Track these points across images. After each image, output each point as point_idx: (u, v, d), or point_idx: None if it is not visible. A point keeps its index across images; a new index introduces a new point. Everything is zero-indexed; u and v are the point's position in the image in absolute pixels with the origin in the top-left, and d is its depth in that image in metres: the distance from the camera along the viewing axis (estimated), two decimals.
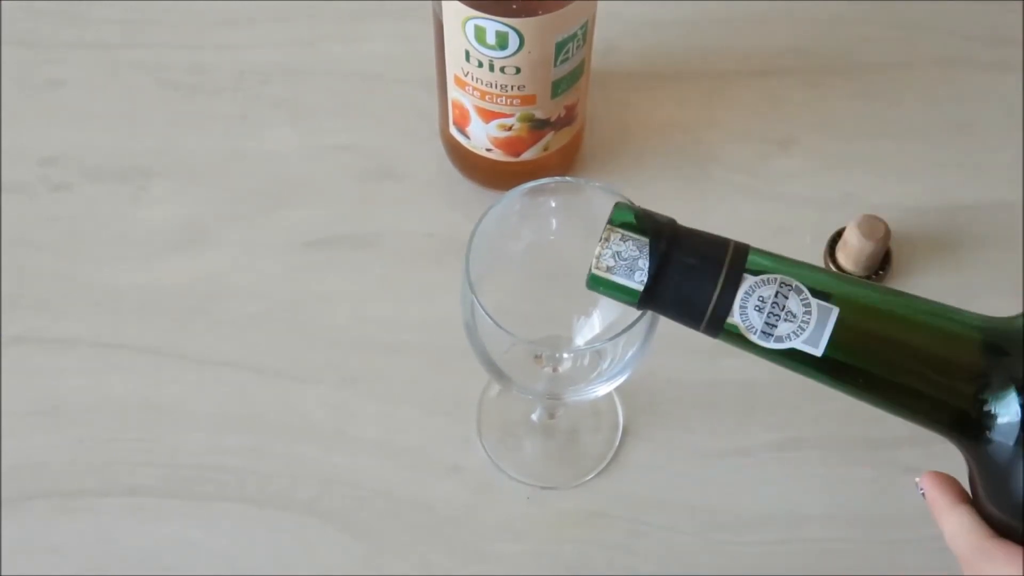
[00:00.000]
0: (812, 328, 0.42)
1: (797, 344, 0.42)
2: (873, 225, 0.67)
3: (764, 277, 0.42)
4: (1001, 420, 0.41)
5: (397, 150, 0.75)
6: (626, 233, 0.43)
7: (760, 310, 0.42)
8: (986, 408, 0.41)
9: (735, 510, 0.64)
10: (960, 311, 0.43)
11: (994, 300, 0.45)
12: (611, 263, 0.43)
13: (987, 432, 0.42)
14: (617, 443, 0.66)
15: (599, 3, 0.64)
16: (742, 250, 0.43)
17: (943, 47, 0.79)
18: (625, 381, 0.56)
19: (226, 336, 0.69)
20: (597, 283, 0.44)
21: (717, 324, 0.43)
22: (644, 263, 0.43)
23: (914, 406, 0.43)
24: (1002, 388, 0.41)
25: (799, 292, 0.42)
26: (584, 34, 0.63)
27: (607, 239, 0.43)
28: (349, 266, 0.71)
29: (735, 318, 0.42)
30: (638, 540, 0.64)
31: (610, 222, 0.44)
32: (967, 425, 0.42)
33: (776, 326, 0.42)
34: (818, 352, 0.42)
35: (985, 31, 0.79)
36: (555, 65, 0.63)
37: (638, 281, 0.43)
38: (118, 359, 0.68)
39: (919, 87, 0.77)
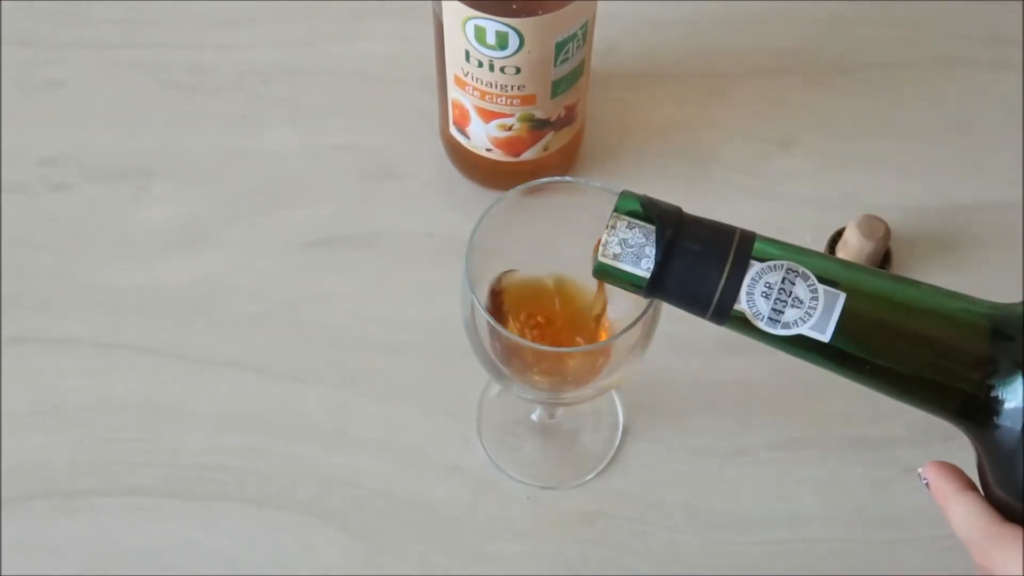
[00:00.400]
0: (819, 314, 0.42)
1: (804, 330, 0.42)
2: (873, 225, 0.67)
3: (771, 263, 0.42)
4: (1008, 405, 0.41)
5: (397, 150, 0.75)
6: (632, 220, 0.43)
7: (767, 296, 0.42)
8: (993, 393, 0.42)
9: (735, 510, 0.64)
10: (966, 297, 0.43)
11: (994, 300, 0.45)
12: (617, 250, 0.43)
13: (994, 417, 0.42)
14: (617, 443, 0.66)
15: (599, 3, 0.64)
16: (748, 237, 0.43)
17: (943, 47, 0.79)
18: (625, 381, 0.56)
19: (226, 336, 0.69)
20: (604, 271, 0.44)
21: (724, 311, 0.43)
22: (651, 250, 0.43)
23: (921, 392, 0.43)
24: (1008, 373, 0.41)
25: (806, 278, 0.42)
26: (584, 34, 0.63)
27: (613, 227, 0.43)
28: (349, 266, 0.71)
29: (742, 304, 0.42)
30: (638, 540, 0.64)
31: (616, 210, 0.44)
32: (974, 411, 0.42)
33: (783, 312, 0.42)
34: (825, 338, 0.42)
35: (985, 31, 0.79)
36: (555, 65, 0.63)
37: (645, 268, 0.43)
38: (118, 359, 0.68)
39: (919, 87, 0.77)
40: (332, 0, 0.80)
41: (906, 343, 0.42)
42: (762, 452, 0.66)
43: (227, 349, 0.68)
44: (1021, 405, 0.41)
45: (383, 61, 0.78)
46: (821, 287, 0.42)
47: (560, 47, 0.62)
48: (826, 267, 0.42)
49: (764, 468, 0.65)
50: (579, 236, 0.57)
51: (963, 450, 0.46)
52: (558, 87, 0.64)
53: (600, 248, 0.43)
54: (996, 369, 0.42)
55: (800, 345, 0.43)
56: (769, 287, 0.42)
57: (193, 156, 0.75)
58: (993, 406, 0.42)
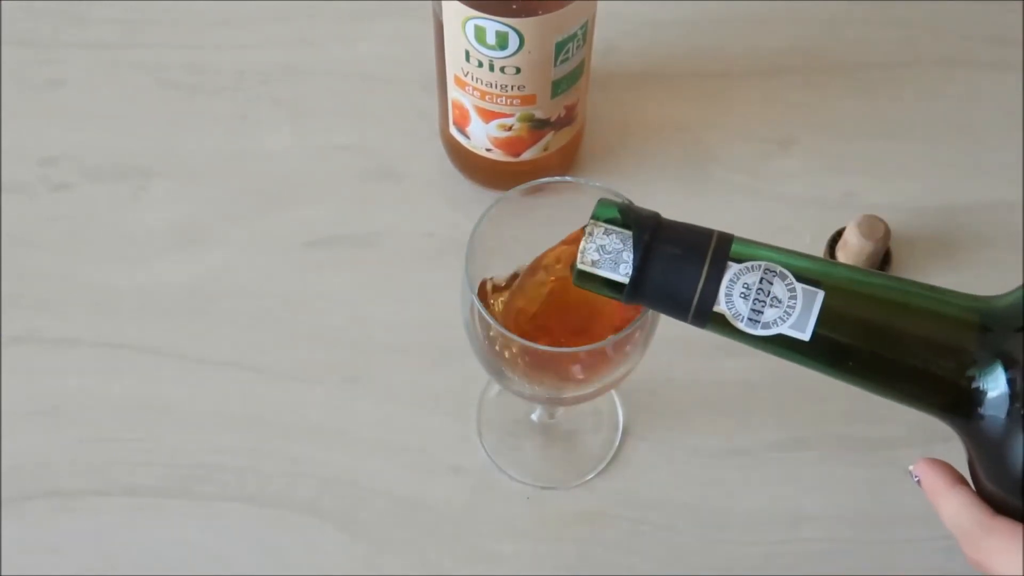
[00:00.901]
0: (798, 313, 0.42)
1: (784, 329, 0.42)
2: (873, 225, 0.67)
3: (748, 264, 0.42)
4: (990, 395, 0.41)
5: (397, 150, 0.75)
6: (609, 227, 0.44)
7: (745, 297, 0.42)
8: (975, 385, 0.42)
9: (735, 510, 0.64)
10: (943, 291, 0.43)
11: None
12: (596, 257, 0.44)
13: (978, 408, 0.42)
14: (617, 443, 0.66)
15: (599, 3, 0.64)
16: (725, 239, 0.43)
17: (943, 47, 0.79)
18: (625, 381, 0.56)
19: (226, 336, 0.69)
20: (583, 278, 0.44)
21: (704, 314, 0.43)
22: (628, 256, 0.43)
23: (905, 388, 0.43)
24: (989, 364, 0.42)
25: (784, 278, 0.42)
26: (584, 34, 0.63)
27: (591, 233, 0.44)
28: (349, 266, 0.71)
29: (721, 306, 0.43)
30: (638, 540, 0.64)
31: (594, 217, 0.44)
32: (959, 404, 0.42)
33: (762, 312, 0.42)
34: (805, 336, 0.42)
35: (985, 31, 0.79)
36: (555, 65, 0.63)
37: (623, 274, 0.43)
38: (118, 359, 0.68)
39: (919, 87, 0.77)
40: (332, 0, 0.80)
41: (886, 339, 0.43)
42: (762, 452, 0.66)
43: (227, 349, 0.68)
44: (1003, 394, 0.41)
45: (383, 61, 0.78)
46: (799, 286, 0.42)
47: (560, 47, 0.62)
48: (804, 266, 0.43)
49: (764, 468, 0.65)
50: None
51: (963, 451, 0.46)
52: (558, 87, 0.64)
53: (579, 255, 0.44)
54: (976, 360, 0.42)
55: (781, 345, 0.43)
56: (747, 288, 0.42)
57: (193, 156, 0.75)
58: (976, 398, 0.42)
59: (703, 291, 0.42)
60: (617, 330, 0.51)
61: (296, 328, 0.69)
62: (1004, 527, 0.42)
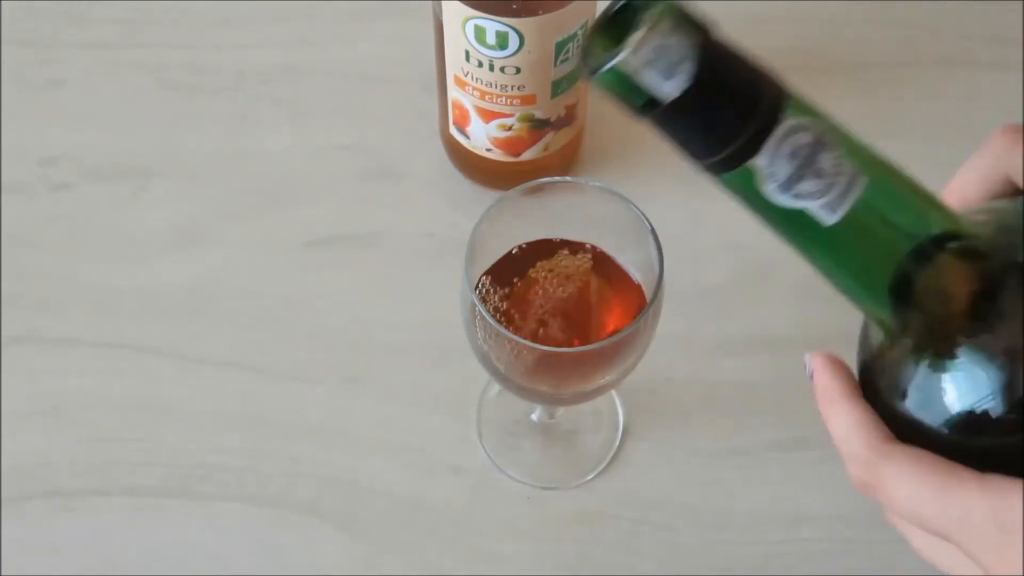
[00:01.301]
0: (837, 194, 0.36)
1: (812, 206, 0.36)
2: None
3: (805, 120, 0.36)
4: (990, 334, 0.37)
5: (397, 150, 0.75)
6: (678, 27, 0.34)
7: (792, 158, 0.36)
8: (977, 319, 0.37)
9: (735, 510, 0.64)
10: (969, 217, 0.39)
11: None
12: (651, 56, 0.34)
13: (969, 341, 0.38)
14: (617, 443, 0.66)
15: (599, 3, 0.64)
16: (784, 87, 0.37)
17: (943, 47, 0.79)
18: (625, 381, 0.56)
19: (226, 336, 0.69)
20: (619, 76, 0.34)
21: (735, 162, 0.36)
22: (688, 68, 0.34)
23: (896, 303, 0.38)
24: (999, 296, 0.37)
25: (834, 149, 0.36)
26: (584, 34, 0.63)
27: (656, 27, 0.33)
28: (349, 266, 0.71)
29: (761, 160, 0.36)
30: (638, 540, 0.64)
31: (656, 11, 0.34)
32: (945, 326, 0.38)
33: (800, 181, 0.36)
34: (831, 220, 0.36)
35: (985, 31, 0.79)
36: (555, 65, 0.63)
37: (671, 88, 0.34)
38: (118, 359, 0.68)
39: (919, 87, 0.77)
40: (332, 0, 0.80)
41: (909, 249, 0.38)
42: (762, 452, 0.66)
43: (227, 349, 0.68)
44: (1003, 325, 0.37)
45: (383, 61, 0.78)
46: (848, 164, 0.36)
47: (560, 47, 0.62)
48: (855, 146, 0.37)
49: (764, 468, 0.65)
50: (579, 236, 0.57)
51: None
52: (558, 87, 0.64)
53: (631, 46, 0.34)
54: (982, 289, 0.38)
55: (796, 222, 0.37)
56: (797, 148, 0.36)
57: (193, 156, 0.75)
58: (972, 332, 0.37)
59: (752, 137, 0.35)
60: (617, 329, 0.51)
61: (296, 328, 0.69)
62: (905, 454, 0.38)
